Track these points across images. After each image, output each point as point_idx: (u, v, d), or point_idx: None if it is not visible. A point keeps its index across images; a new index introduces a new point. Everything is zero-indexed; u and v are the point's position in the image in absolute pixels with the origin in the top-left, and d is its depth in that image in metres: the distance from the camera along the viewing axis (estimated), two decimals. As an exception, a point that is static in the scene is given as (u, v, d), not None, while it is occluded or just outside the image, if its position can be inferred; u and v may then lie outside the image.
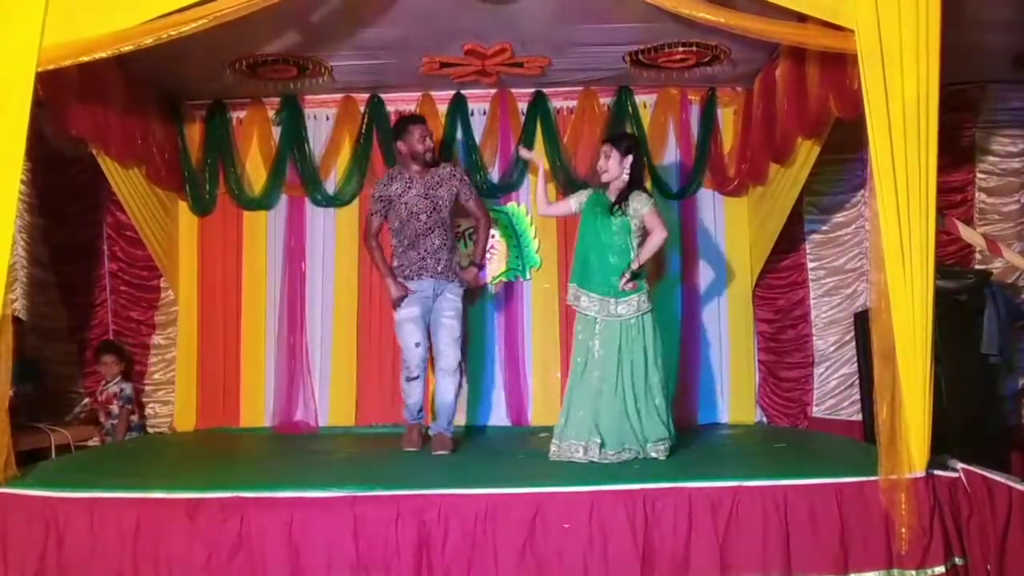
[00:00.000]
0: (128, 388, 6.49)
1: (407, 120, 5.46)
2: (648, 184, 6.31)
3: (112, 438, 6.36)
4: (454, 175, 5.40)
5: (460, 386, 5.32)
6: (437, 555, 3.60)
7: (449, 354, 5.21)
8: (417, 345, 5.18)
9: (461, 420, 6.31)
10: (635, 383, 4.68)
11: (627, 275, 4.71)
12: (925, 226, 3.68)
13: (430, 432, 5.32)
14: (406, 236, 5.25)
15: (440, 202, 5.28)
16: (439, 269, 5.24)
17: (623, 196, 4.81)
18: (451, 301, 5.29)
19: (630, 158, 4.85)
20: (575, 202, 5.04)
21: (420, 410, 5.40)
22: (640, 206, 4.77)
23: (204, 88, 6.38)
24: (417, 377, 5.24)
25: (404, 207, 5.23)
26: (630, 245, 4.78)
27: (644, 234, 4.80)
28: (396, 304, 5.20)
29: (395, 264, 5.32)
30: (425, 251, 5.23)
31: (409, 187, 5.25)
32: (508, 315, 6.58)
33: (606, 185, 4.94)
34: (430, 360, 5.44)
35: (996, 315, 5.66)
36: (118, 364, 6.51)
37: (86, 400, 6.65)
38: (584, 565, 3.59)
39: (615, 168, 4.85)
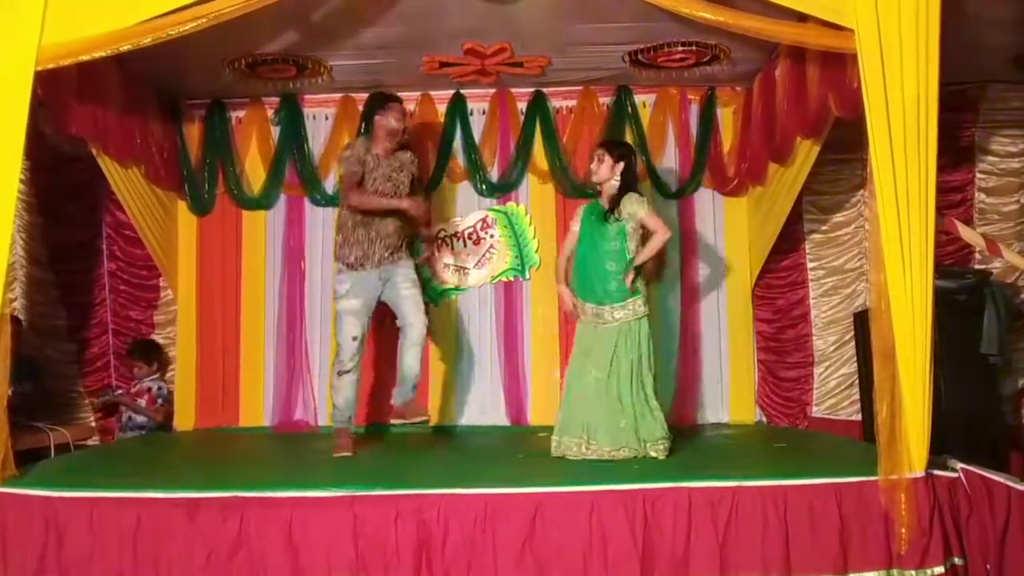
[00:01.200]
0: (164, 387, 6.55)
1: (387, 96, 5.42)
2: (647, 186, 6.37)
3: (124, 433, 6.39)
4: (413, 162, 5.46)
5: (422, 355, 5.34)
6: (437, 555, 3.60)
7: (417, 324, 5.21)
8: (355, 339, 5.15)
9: (460, 420, 6.35)
10: (633, 385, 4.70)
11: (630, 272, 4.74)
12: (925, 226, 3.68)
13: (395, 402, 5.24)
14: (360, 213, 5.19)
15: (400, 187, 5.30)
16: (386, 255, 5.24)
17: (616, 201, 4.86)
18: (405, 273, 5.29)
19: (621, 165, 4.90)
20: (574, 226, 5.07)
21: (352, 413, 5.30)
22: (634, 208, 4.82)
23: (203, 87, 6.38)
24: (350, 371, 5.17)
25: (371, 183, 5.20)
26: (626, 249, 4.82)
27: (645, 237, 4.84)
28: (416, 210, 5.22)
29: (340, 241, 5.28)
30: (376, 233, 5.20)
31: (377, 164, 5.22)
32: (508, 315, 6.57)
33: (599, 193, 5.00)
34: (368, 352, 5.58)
35: (996, 315, 5.65)
36: (148, 365, 6.53)
37: (117, 390, 6.63)
38: (584, 565, 3.59)
39: (605, 173, 4.91)
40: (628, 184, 4.92)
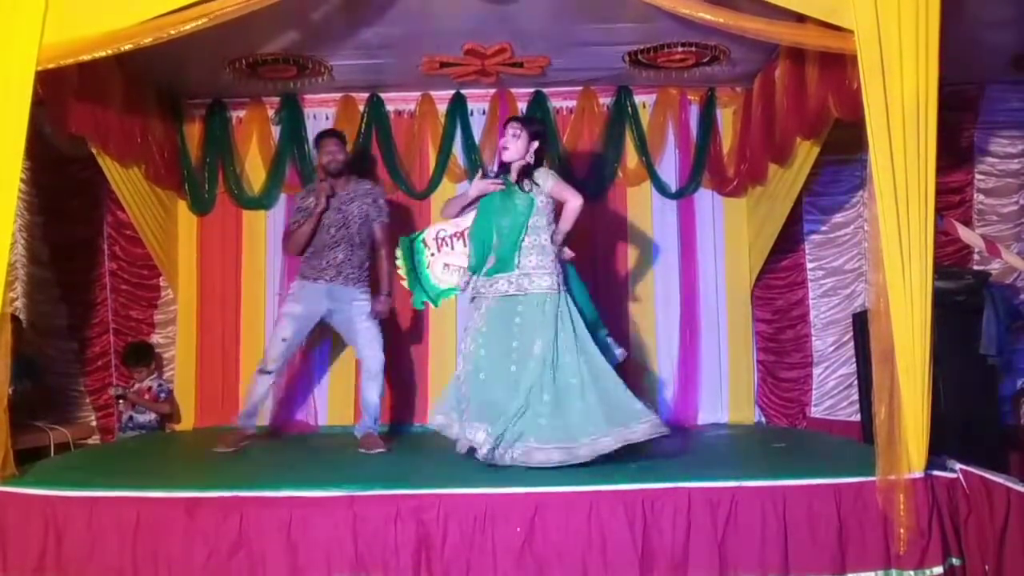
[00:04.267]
0: (165, 384, 6.58)
1: (319, 134, 5.66)
2: (645, 186, 6.38)
3: (124, 433, 6.39)
4: (370, 194, 5.52)
5: (383, 387, 5.44)
6: (436, 555, 3.60)
7: (372, 357, 5.34)
8: (284, 340, 5.29)
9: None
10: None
11: (559, 249, 4.67)
12: (924, 227, 3.68)
13: (357, 434, 5.37)
14: (312, 245, 5.40)
15: (350, 217, 5.40)
16: (340, 278, 5.37)
17: (526, 174, 4.68)
18: (360, 306, 5.40)
19: (536, 144, 4.73)
20: (471, 187, 4.92)
21: (255, 415, 5.45)
22: (542, 180, 4.66)
23: (204, 87, 6.39)
24: (270, 372, 5.31)
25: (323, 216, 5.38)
26: (540, 224, 4.63)
27: (557, 211, 4.70)
28: (323, 194, 5.33)
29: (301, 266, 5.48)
30: (328, 263, 5.37)
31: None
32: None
33: (506, 169, 4.80)
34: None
35: (995, 316, 5.66)
36: (146, 367, 6.54)
37: (120, 389, 6.59)
38: (583, 565, 3.59)
39: (521, 149, 4.70)
40: (539, 162, 4.78)
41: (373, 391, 5.32)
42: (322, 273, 5.36)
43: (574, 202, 4.65)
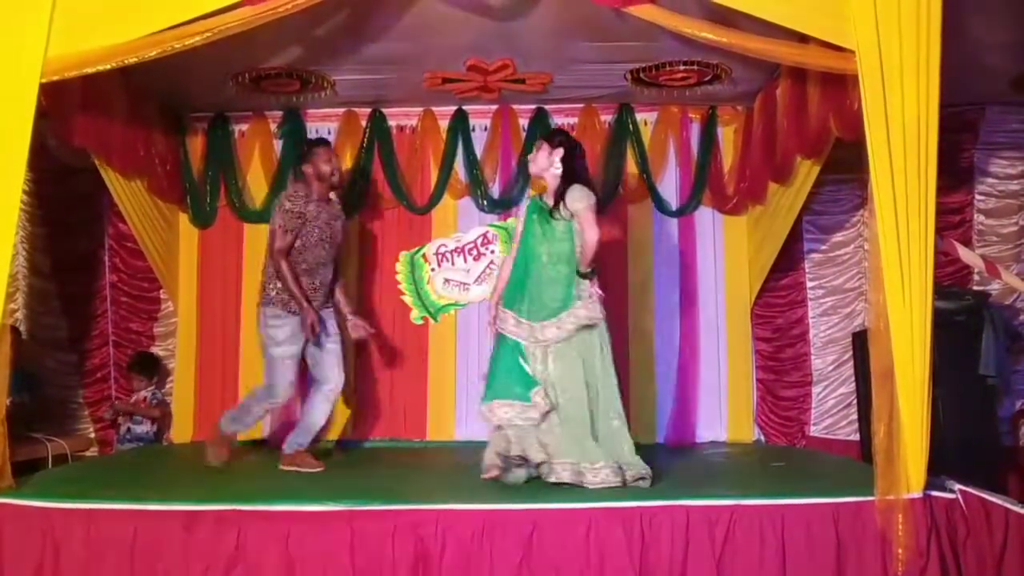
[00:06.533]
0: (159, 394, 6.59)
1: (312, 142, 5.34)
2: (646, 204, 6.38)
3: (122, 445, 6.40)
4: (342, 215, 5.38)
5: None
6: (434, 570, 3.59)
7: (337, 379, 5.14)
8: (291, 384, 5.06)
9: (459, 435, 6.34)
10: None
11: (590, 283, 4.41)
12: (924, 247, 3.68)
13: (288, 450, 5.08)
14: (306, 261, 5.03)
15: (336, 236, 5.24)
16: (326, 303, 5.20)
17: (560, 195, 4.43)
18: (332, 325, 5.18)
19: (561, 151, 4.51)
20: (518, 226, 4.73)
21: (244, 428, 5.34)
22: (574, 201, 4.37)
23: (207, 100, 6.41)
24: (277, 408, 5.33)
25: (316, 231, 5.05)
26: (575, 250, 4.41)
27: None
28: (310, 332, 4.91)
29: (277, 287, 4.97)
30: (320, 282, 5.10)
31: (318, 213, 5.08)
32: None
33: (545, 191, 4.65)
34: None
35: (994, 336, 5.67)
36: (148, 379, 6.55)
37: (111, 412, 6.60)
38: (581, 582, 3.59)
39: (542, 162, 4.55)
40: (570, 173, 4.48)
41: (325, 414, 5.18)
42: (314, 295, 5.02)
43: (590, 237, 4.33)
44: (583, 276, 4.38)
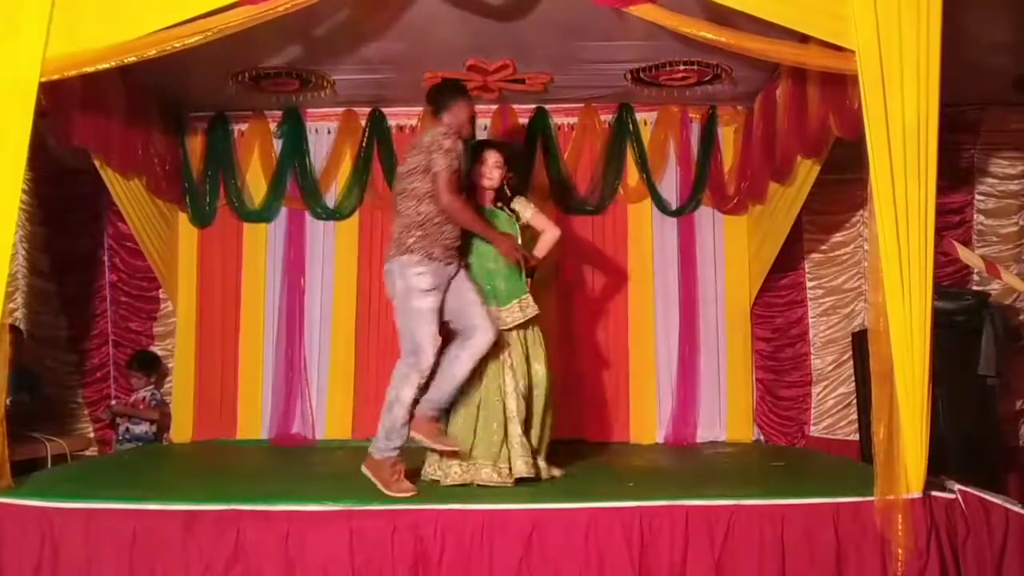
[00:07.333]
0: (158, 394, 6.59)
1: (454, 88, 4.74)
2: (647, 203, 6.38)
3: (121, 445, 6.41)
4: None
5: None
6: (433, 570, 3.59)
7: (486, 330, 4.43)
8: (437, 340, 4.34)
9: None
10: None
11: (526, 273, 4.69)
12: (924, 247, 3.68)
13: (419, 412, 4.34)
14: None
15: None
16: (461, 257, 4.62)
17: (507, 200, 4.83)
18: (466, 275, 4.60)
19: (510, 175, 4.85)
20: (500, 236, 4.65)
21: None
22: (522, 208, 4.83)
23: (206, 100, 6.41)
24: (429, 378, 4.37)
25: (462, 177, 4.58)
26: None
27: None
28: (517, 253, 4.53)
29: (418, 235, 4.36)
30: (460, 230, 4.51)
31: (463, 160, 4.57)
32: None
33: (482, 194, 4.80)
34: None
35: (994, 336, 5.66)
36: (147, 377, 6.56)
37: (109, 412, 6.60)
38: (580, 582, 3.59)
39: (499, 179, 4.76)
40: (515, 189, 4.92)
41: (468, 370, 4.44)
42: (455, 251, 4.49)
43: (553, 233, 4.87)
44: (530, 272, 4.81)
